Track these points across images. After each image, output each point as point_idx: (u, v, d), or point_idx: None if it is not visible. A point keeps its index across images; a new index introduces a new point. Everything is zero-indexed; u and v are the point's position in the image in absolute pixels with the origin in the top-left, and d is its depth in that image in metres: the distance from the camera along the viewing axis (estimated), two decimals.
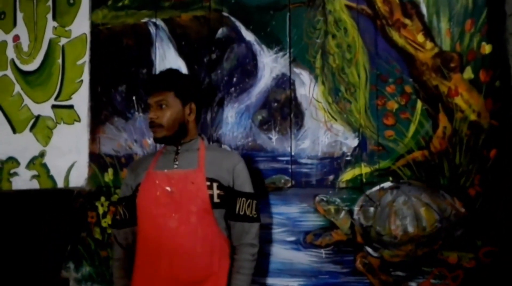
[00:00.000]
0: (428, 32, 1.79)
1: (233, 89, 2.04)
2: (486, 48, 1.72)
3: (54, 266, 2.27)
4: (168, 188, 1.65)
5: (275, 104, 1.97)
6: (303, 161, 1.91)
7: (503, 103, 1.68)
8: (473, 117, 1.72)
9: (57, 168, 2.35)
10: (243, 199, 1.69)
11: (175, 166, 1.71)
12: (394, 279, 1.76)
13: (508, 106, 1.66)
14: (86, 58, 2.34)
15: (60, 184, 2.34)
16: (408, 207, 1.77)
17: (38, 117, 2.41)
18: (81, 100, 2.34)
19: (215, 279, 1.62)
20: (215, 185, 1.66)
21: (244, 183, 1.71)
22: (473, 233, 1.68)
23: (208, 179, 1.66)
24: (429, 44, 1.79)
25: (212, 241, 1.64)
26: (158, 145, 2.14)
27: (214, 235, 1.65)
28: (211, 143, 2.03)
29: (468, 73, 1.74)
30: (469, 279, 1.67)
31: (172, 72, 1.76)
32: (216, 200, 1.64)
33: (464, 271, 1.68)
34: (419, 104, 1.79)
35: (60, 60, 2.38)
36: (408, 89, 1.80)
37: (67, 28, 2.37)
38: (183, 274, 1.59)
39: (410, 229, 1.76)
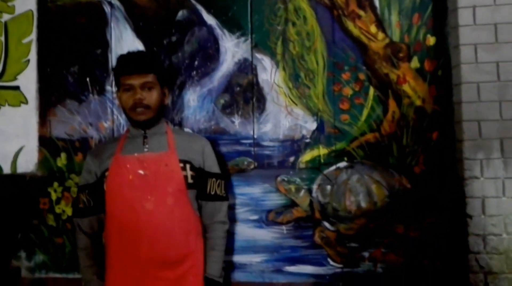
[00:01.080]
0: (380, 24, 1.94)
1: (194, 72, 2.06)
2: (431, 40, 1.90)
3: (4, 256, 2.16)
4: (141, 172, 1.65)
5: (238, 89, 2.02)
6: (265, 143, 1.99)
7: (444, 90, 1.88)
8: (418, 102, 1.91)
9: (3, 153, 2.21)
10: (213, 179, 1.75)
11: (145, 149, 1.70)
12: (349, 250, 1.93)
13: (449, 93, 1.87)
14: (33, 36, 2.20)
15: (7, 169, 2.21)
16: (361, 184, 1.93)
17: None
18: (28, 81, 2.20)
19: (193, 258, 1.67)
20: (188, 166, 1.69)
21: (213, 164, 1.77)
22: (418, 207, 1.88)
23: (181, 161, 1.68)
24: (381, 35, 1.94)
25: (188, 221, 1.68)
26: (113, 130, 2.11)
27: (189, 215, 1.69)
28: (173, 126, 2.04)
29: (415, 63, 1.91)
30: (415, 247, 1.87)
31: (152, 54, 1.73)
32: (190, 180, 1.68)
33: (410, 240, 1.88)
34: (371, 90, 1.94)
35: (2, 38, 2.22)
36: (361, 76, 1.95)
37: (10, 4, 2.21)
38: (163, 255, 1.62)
39: (363, 204, 1.92)
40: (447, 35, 1.88)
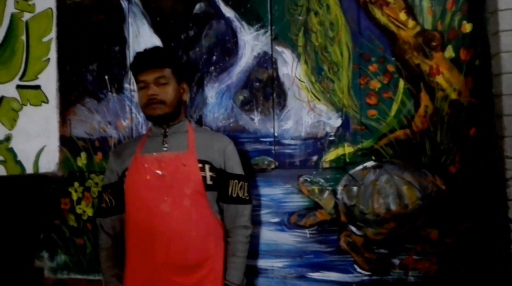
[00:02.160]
0: (410, 10, 1.78)
1: (212, 68, 1.97)
2: (467, 27, 1.73)
3: (27, 256, 2.17)
4: (158, 172, 1.59)
5: (257, 84, 1.92)
6: (286, 142, 1.88)
7: (483, 82, 1.70)
8: (453, 95, 1.74)
9: (25, 153, 2.22)
10: (235, 181, 1.67)
11: (164, 148, 1.65)
12: (378, 256, 1.79)
13: (488, 84, 1.69)
14: (53, 34, 2.20)
15: (29, 169, 2.22)
16: (391, 186, 1.79)
17: (1, 99, 2.25)
18: (48, 79, 2.20)
19: (211, 263, 1.59)
20: (207, 167, 1.62)
21: (235, 165, 1.69)
22: (453, 210, 1.72)
23: (200, 161, 1.62)
24: (411, 23, 1.78)
25: (207, 224, 1.61)
26: (132, 129, 2.06)
27: (208, 218, 1.62)
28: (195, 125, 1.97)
29: (449, 52, 1.75)
30: (450, 255, 1.72)
31: (166, 49, 1.69)
32: (209, 182, 1.61)
33: (445, 246, 1.72)
34: (401, 83, 1.79)
35: (24, 37, 2.22)
36: (390, 68, 1.80)
37: (30, 2, 2.21)
38: (180, 259, 1.56)
39: (393, 207, 1.78)
40: (485, 21, 1.70)
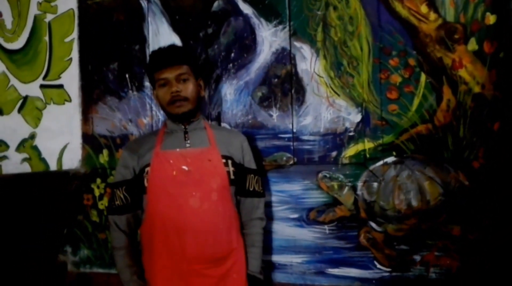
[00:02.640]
0: (432, 3, 1.75)
1: (231, 65, 1.98)
2: (491, 19, 1.69)
3: (51, 250, 2.23)
4: (184, 167, 1.61)
5: (275, 80, 1.92)
6: (305, 138, 1.88)
7: (507, 75, 1.66)
8: (477, 89, 1.70)
9: (49, 150, 2.28)
10: (252, 175, 1.72)
11: (187, 145, 1.67)
12: (398, 253, 1.77)
13: None
14: (75, 34, 2.24)
15: (53, 166, 2.27)
16: (412, 181, 1.76)
17: (26, 98, 2.31)
18: (71, 79, 2.25)
19: (235, 254, 1.64)
20: (230, 162, 1.66)
21: (251, 160, 1.75)
22: (476, 206, 1.68)
23: (223, 157, 1.65)
24: (432, 15, 1.75)
25: (230, 217, 1.65)
26: (152, 126, 2.09)
27: (231, 211, 1.66)
28: (210, 121, 1.98)
29: (472, 45, 1.71)
30: (473, 251, 1.68)
31: (183, 46, 1.70)
32: (232, 176, 1.65)
33: (467, 243, 1.69)
34: (422, 77, 1.76)
35: (47, 38, 2.27)
36: (411, 61, 1.77)
37: (52, 4, 2.26)
38: (209, 252, 1.58)
39: (414, 203, 1.75)
40: (510, 12, 1.65)
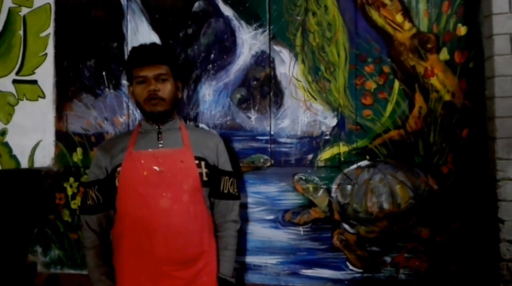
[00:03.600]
0: (407, 13, 1.82)
1: (210, 66, 1.99)
2: (462, 30, 1.76)
3: (20, 251, 2.17)
4: (156, 168, 1.60)
5: (254, 83, 1.94)
6: (283, 140, 1.90)
7: (476, 84, 1.74)
8: (447, 97, 1.77)
9: (21, 148, 2.22)
10: (226, 177, 1.72)
11: (160, 145, 1.66)
12: (370, 254, 1.82)
13: (481, 87, 1.72)
14: (51, 30, 2.19)
15: (24, 164, 2.21)
16: (384, 185, 1.82)
17: None
18: (45, 75, 2.20)
19: (206, 256, 1.63)
20: (203, 163, 1.65)
21: (226, 162, 1.74)
22: (445, 209, 1.75)
23: (196, 158, 1.64)
24: (407, 25, 1.82)
25: (202, 219, 1.63)
26: (129, 125, 2.07)
27: (203, 213, 1.65)
28: (187, 122, 1.98)
29: (444, 54, 1.78)
30: (441, 253, 1.75)
31: (165, 46, 1.70)
32: (204, 178, 1.64)
33: (436, 245, 1.75)
34: (396, 84, 1.82)
35: (21, 32, 2.21)
36: (386, 69, 1.83)
37: None
38: (179, 254, 1.57)
39: (386, 206, 1.81)
40: (480, 25, 1.74)
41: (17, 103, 2.23)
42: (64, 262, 2.15)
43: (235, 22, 1.96)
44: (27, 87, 2.22)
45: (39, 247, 2.19)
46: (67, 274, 2.13)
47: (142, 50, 1.68)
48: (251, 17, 1.94)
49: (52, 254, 2.17)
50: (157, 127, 1.70)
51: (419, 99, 1.80)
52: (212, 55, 1.99)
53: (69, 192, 2.15)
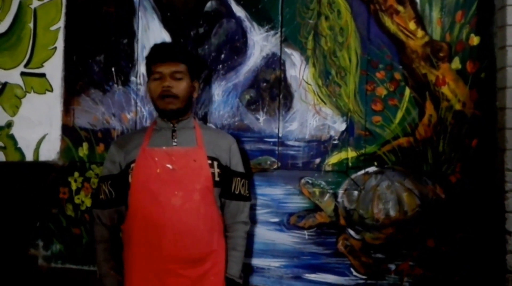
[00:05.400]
0: (420, 20, 1.81)
1: (220, 66, 1.98)
2: (475, 40, 1.76)
3: (22, 243, 2.16)
4: (169, 166, 1.60)
5: (264, 84, 1.93)
6: (290, 143, 1.90)
7: (487, 94, 1.73)
8: (458, 106, 1.77)
9: (26, 140, 2.21)
10: (238, 178, 1.72)
11: (174, 143, 1.67)
12: (375, 261, 1.81)
13: (492, 98, 1.72)
14: (61, 23, 2.19)
15: (29, 157, 2.21)
16: (391, 192, 1.81)
17: (5, 85, 2.24)
18: (54, 68, 2.20)
19: (215, 257, 1.63)
20: (215, 163, 1.66)
21: (238, 163, 1.75)
22: (451, 219, 1.74)
23: (209, 158, 1.65)
24: (420, 32, 1.81)
25: (212, 219, 1.64)
26: (136, 122, 2.07)
27: (214, 213, 1.65)
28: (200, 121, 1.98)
29: (456, 63, 1.77)
30: (446, 263, 1.74)
31: (184, 46, 1.71)
32: (216, 178, 1.65)
33: (441, 254, 1.74)
34: (407, 91, 1.81)
35: (31, 24, 2.21)
36: (397, 75, 1.82)
37: None
38: (187, 252, 1.57)
39: (392, 213, 1.80)
40: (493, 35, 1.73)
41: (24, 96, 2.23)
42: (65, 256, 2.14)
43: (247, 23, 1.96)
44: (35, 80, 2.21)
45: (40, 241, 2.18)
46: (68, 269, 2.13)
47: (162, 47, 1.72)
48: (263, 18, 1.94)
49: (53, 248, 2.16)
50: (171, 125, 1.70)
51: (429, 107, 1.79)
52: (222, 55, 1.98)
53: (73, 186, 2.15)
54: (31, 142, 2.21)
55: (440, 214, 1.76)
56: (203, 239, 1.60)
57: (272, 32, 1.93)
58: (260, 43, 1.94)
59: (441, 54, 1.79)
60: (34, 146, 2.20)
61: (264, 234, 1.90)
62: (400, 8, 1.82)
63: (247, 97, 1.95)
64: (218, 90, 1.98)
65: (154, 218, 1.57)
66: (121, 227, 1.69)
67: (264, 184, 1.91)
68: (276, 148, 1.91)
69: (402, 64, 1.82)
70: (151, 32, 2.08)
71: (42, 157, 2.20)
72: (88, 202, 2.12)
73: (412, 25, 1.81)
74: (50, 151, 2.19)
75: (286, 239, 1.88)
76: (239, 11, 1.97)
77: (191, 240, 1.57)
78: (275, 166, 1.90)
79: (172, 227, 1.56)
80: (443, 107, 1.78)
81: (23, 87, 2.22)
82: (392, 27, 1.83)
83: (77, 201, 2.14)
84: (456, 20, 1.77)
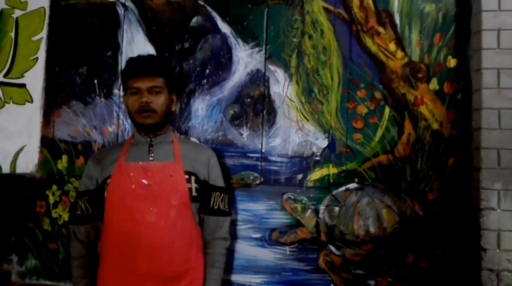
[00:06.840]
0: (400, 42, 1.87)
1: (205, 81, 1.99)
2: (452, 62, 1.83)
3: None
4: (144, 181, 1.58)
5: (248, 100, 1.95)
6: (273, 158, 1.91)
7: (463, 115, 1.79)
8: (435, 126, 1.82)
9: (3, 151, 2.15)
10: (217, 193, 1.70)
11: (151, 158, 1.65)
12: (355, 277, 1.82)
13: (468, 118, 1.78)
14: (44, 34, 2.16)
15: (6, 169, 2.15)
16: (371, 208, 1.84)
17: None
18: (35, 79, 2.16)
19: (192, 274, 1.60)
20: (193, 178, 1.64)
21: (218, 177, 1.72)
22: (429, 235, 1.78)
23: (186, 172, 1.63)
24: (400, 53, 1.87)
25: (190, 235, 1.61)
26: (118, 135, 2.05)
27: (191, 229, 1.63)
28: (179, 135, 1.97)
29: (434, 84, 1.84)
30: (424, 279, 1.77)
31: (161, 59, 1.69)
32: (194, 193, 1.62)
33: (419, 271, 1.78)
34: (387, 110, 1.86)
35: (12, 34, 2.18)
36: (377, 95, 1.87)
37: (22, 0, 2.18)
38: (163, 270, 1.55)
39: (372, 229, 1.83)
40: (469, 58, 1.80)
41: (3, 106, 2.18)
42: (40, 272, 2.08)
43: (232, 40, 1.98)
44: (15, 91, 2.17)
45: (15, 256, 2.12)
46: (43, 285, 2.06)
47: (138, 61, 1.68)
48: (248, 35, 1.97)
49: (28, 263, 2.10)
50: (149, 139, 1.68)
51: (408, 126, 1.84)
52: (207, 71, 1.99)
53: (51, 200, 2.10)
54: (8, 153, 2.15)
55: (419, 231, 1.80)
56: (179, 256, 1.57)
57: (256, 49, 1.96)
58: (245, 59, 1.96)
59: (419, 75, 1.85)
60: (11, 158, 2.15)
61: (246, 249, 1.89)
62: (381, 29, 1.88)
63: (231, 112, 1.96)
64: (202, 105, 1.99)
65: (129, 235, 1.54)
66: (98, 243, 1.66)
67: (247, 199, 1.91)
68: (259, 163, 1.92)
69: (382, 84, 1.87)
70: (136, 45, 2.08)
71: (20, 169, 2.14)
72: (66, 216, 2.07)
73: (392, 46, 1.87)
74: (28, 163, 2.14)
75: (268, 255, 1.88)
76: (224, 28, 1.99)
77: (167, 257, 1.55)
78: (258, 182, 1.91)
79: (147, 244, 1.53)
80: (421, 126, 1.83)
81: (2, 97, 2.18)
82: (373, 48, 1.88)
83: (54, 215, 2.09)
84: (434, 43, 1.84)
